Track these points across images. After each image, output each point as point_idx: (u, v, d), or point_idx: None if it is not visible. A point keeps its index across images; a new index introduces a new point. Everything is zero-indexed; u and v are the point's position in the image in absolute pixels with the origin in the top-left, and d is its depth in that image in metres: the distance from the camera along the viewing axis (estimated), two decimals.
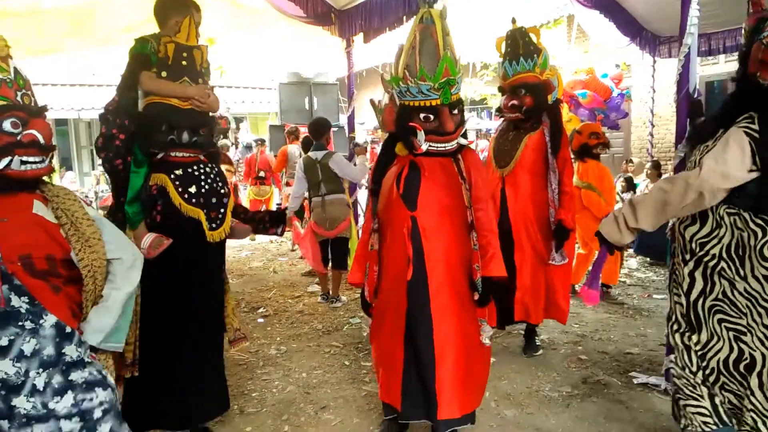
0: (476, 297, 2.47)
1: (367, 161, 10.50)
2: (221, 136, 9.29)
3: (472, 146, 3.81)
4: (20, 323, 1.58)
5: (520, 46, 3.57)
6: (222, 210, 2.59)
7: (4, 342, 1.56)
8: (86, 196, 11.43)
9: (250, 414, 3.14)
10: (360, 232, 4.75)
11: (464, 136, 2.49)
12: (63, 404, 1.62)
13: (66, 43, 5.25)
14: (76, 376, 1.68)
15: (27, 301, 1.60)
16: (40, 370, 1.61)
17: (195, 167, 2.53)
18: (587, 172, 5.09)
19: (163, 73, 2.46)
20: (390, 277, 2.54)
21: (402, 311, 2.48)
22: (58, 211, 1.70)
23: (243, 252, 8.32)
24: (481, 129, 15.42)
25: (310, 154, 5.35)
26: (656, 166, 7.82)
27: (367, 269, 2.60)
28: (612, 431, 2.86)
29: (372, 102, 2.68)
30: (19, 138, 1.61)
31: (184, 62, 2.47)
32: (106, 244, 1.80)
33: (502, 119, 3.89)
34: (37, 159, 1.64)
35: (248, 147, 12.48)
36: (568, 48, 11.61)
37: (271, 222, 3.06)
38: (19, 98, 1.63)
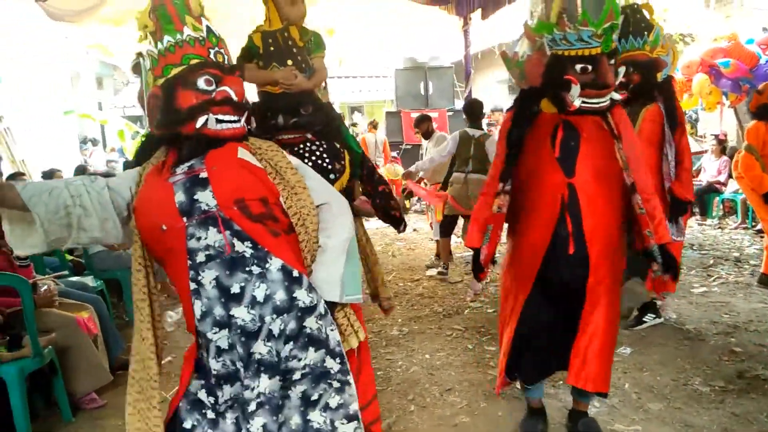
0: (655, 267, 2.27)
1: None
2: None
3: None
4: (247, 268, 1.54)
5: (630, 23, 3.44)
6: None
7: (236, 289, 1.53)
8: None
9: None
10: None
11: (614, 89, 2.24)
12: (309, 357, 1.60)
13: None
14: (314, 322, 1.62)
15: (250, 245, 1.56)
16: (275, 315, 1.56)
17: (301, 146, 2.52)
18: (753, 134, 4.49)
19: (260, 63, 2.54)
20: (527, 245, 2.35)
21: (530, 279, 2.33)
22: (263, 161, 1.68)
23: None
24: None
25: (467, 129, 5.38)
26: None
27: (489, 232, 2.39)
28: None
29: (504, 54, 2.44)
30: (213, 95, 1.58)
31: (271, 48, 2.52)
32: (311, 190, 1.73)
33: None
34: (232, 117, 1.60)
35: None
36: (706, 13, 10.52)
37: (390, 223, 2.89)
38: (212, 56, 1.62)
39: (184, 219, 1.54)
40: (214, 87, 1.59)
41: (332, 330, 1.68)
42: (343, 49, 10.61)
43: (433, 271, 5.97)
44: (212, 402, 1.60)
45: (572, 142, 2.22)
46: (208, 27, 1.63)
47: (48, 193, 1.53)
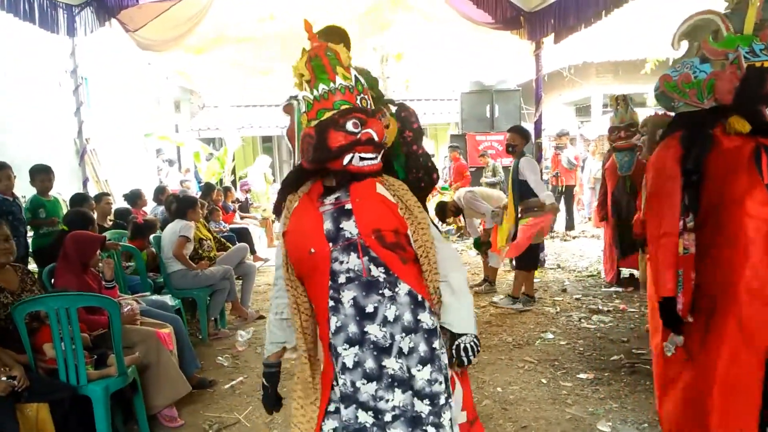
0: None
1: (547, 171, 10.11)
2: None
3: None
4: (380, 291, 1.73)
5: None
6: None
7: (370, 309, 1.72)
8: None
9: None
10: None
11: None
12: (422, 375, 1.74)
13: (276, 66, 5.79)
14: (438, 344, 1.79)
15: (383, 270, 1.75)
16: (403, 334, 1.74)
17: None
18: None
19: None
20: (751, 288, 2.04)
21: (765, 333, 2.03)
22: (395, 197, 1.87)
23: None
24: None
25: (529, 154, 5.44)
26: None
27: (681, 277, 2.15)
28: None
29: (666, 78, 2.28)
30: (359, 137, 1.76)
31: None
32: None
33: None
34: (372, 155, 1.80)
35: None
36: None
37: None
38: (358, 102, 1.81)
39: (330, 244, 1.76)
40: (359, 129, 1.77)
41: (444, 353, 1.84)
42: (410, 72, 10.76)
43: (506, 302, 5.84)
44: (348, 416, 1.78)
45: None
46: (356, 76, 1.83)
47: (282, 331, 1.94)
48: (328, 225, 1.79)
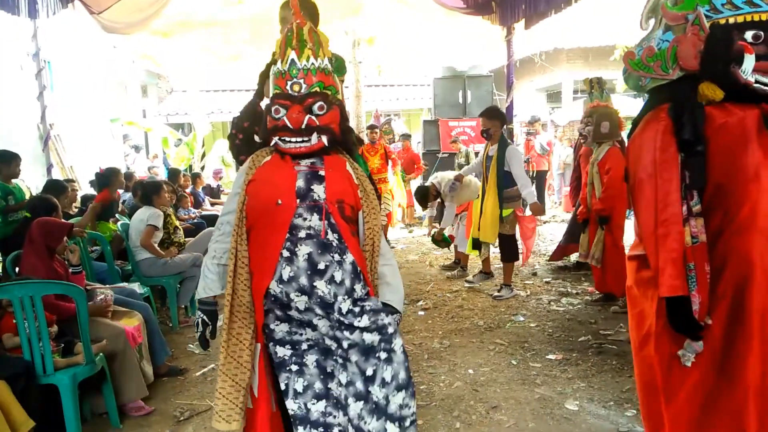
0: None
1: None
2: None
3: None
4: (332, 254, 1.89)
5: None
6: None
7: (322, 266, 1.88)
8: None
9: (420, 407, 3.12)
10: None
11: None
12: (363, 321, 1.89)
13: (246, 51, 5.69)
14: (366, 303, 1.95)
15: (337, 237, 1.92)
16: (345, 296, 1.91)
17: None
18: None
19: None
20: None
21: None
22: (356, 179, 2.06)
23: (399, 245, 8.45)
24: None
25: (516, 146, 5.56)
26: None
27: (694, 272, 1.80)
28: None
29: (629, 55, 2.01)
30: (278, 122, 1.93)
31: None
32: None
33: None
34: (296, 139, 1.93)
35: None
36: None
37: None
38: (288, 87, 1.93)
39: (298, 201, 1.91)
40: (280, 115, 1.93)
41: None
42: (382, 57, 10.72)
43: (475, 284, 5.91)
44: (291, 347, 1.99)
45: None
46: (291, 60, 1.93)
47: (218, 276, 2.04)
48: (300, 183, 1.93)
